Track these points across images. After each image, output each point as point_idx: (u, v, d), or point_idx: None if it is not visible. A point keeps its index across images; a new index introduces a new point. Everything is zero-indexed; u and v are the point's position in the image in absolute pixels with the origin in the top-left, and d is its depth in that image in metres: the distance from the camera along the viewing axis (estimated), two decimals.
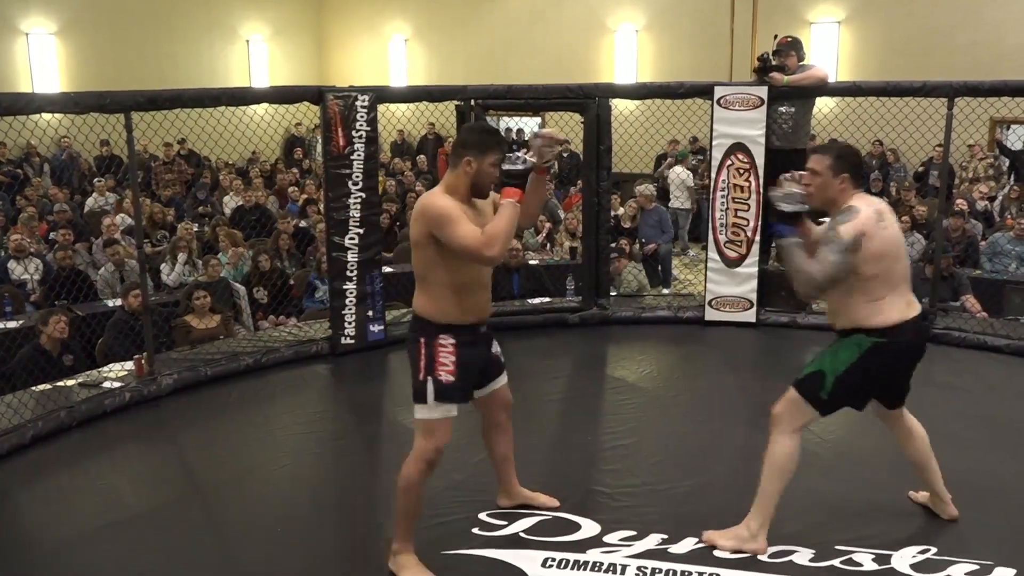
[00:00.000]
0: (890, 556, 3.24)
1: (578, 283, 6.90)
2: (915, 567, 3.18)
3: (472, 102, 6.06)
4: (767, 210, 6.47)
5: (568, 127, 7.11)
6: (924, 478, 3.52)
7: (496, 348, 3.35)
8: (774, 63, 6.18)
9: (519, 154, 3.06)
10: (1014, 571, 3.14)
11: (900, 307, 3.15)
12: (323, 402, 5.26)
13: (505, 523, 3.49)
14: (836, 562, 3.22)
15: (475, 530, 3.45)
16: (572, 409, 5.01)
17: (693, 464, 4.09)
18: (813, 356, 3.34)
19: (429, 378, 3.05)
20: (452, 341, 3.06)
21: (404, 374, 5.48)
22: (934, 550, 3.28)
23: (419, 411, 3.08)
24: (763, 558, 3.24)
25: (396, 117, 8.20)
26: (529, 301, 6.67)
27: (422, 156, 13.84)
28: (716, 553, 3.27)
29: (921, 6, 12.77)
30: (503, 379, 3.40)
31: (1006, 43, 11.91)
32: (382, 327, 5.84)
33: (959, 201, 8.98)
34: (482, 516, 3.53)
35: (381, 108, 5.83)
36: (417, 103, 6.66)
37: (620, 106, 7.40)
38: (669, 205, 10.63)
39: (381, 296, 5.84)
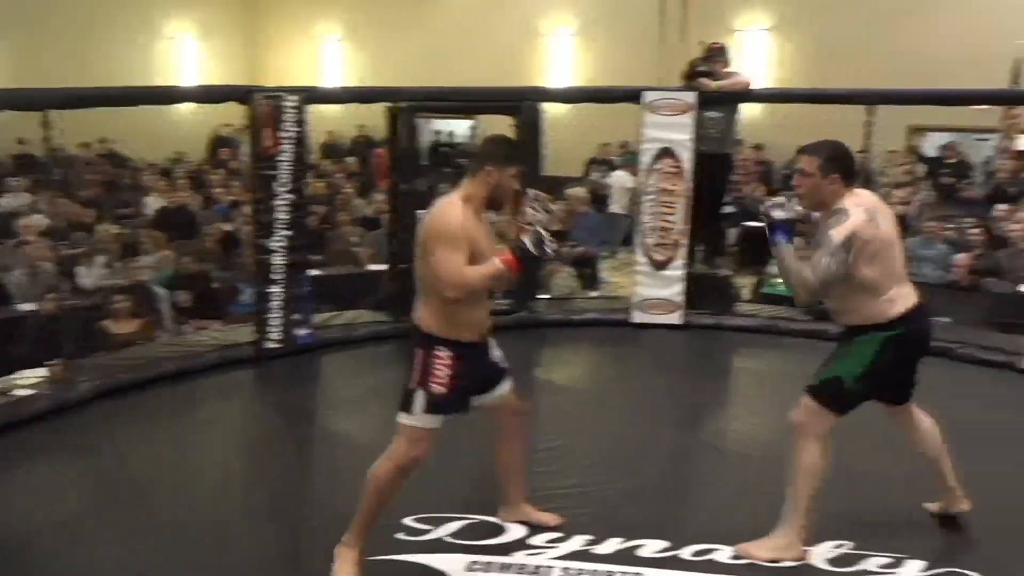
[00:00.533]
0: (807, 552, 3.31)
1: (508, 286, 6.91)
2: (831, 561, 3.26)
3: (403, 104, 6.03)
4: (712, 215, 6.60)
5: (501, 130, 7.11)
6: (937, 471, 3.49)
7: (497, 353, 3.33)
8: (704, 69, 6.28)
9: (543, 236, 2.97)
10: (925, 563, 3.24)
11: (905, 297, 3.20)
12: (250, 407, 5.17)
13: (430, 528, 3.47)
14: (762, 561, 3.27)
15: (400, 535, 3.42)
16: None
17: (624, 466, 4.13)
18: (826, 360, 3.31)
19: (420, 389, 3.04)
20: (450, 354, 3.04)
21: (335, 378, 5.51)
22: (849, 544, 3.36)
23: (404, 418, 3.06)
24: (685, 556, 3.28)
25: (327, 118, 8.13)
26: None
27: (353, 158, 13.72)
28: (639, 553, 3.30)
29: (844, 17, 13.10)
30: (507, 385, 3.37)
31: (923, 54, 12.27)
32: (310, 331, 5.77)
33: None
34: (407, 521, 3.50)
35: (311, 109, 5.77)
36: (348, 104, 6.60)
37: (552, 109, 7.45)
38: (609, 209, 10.74)
39: (310, 300, 5.76)
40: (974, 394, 3.58)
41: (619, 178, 10.97)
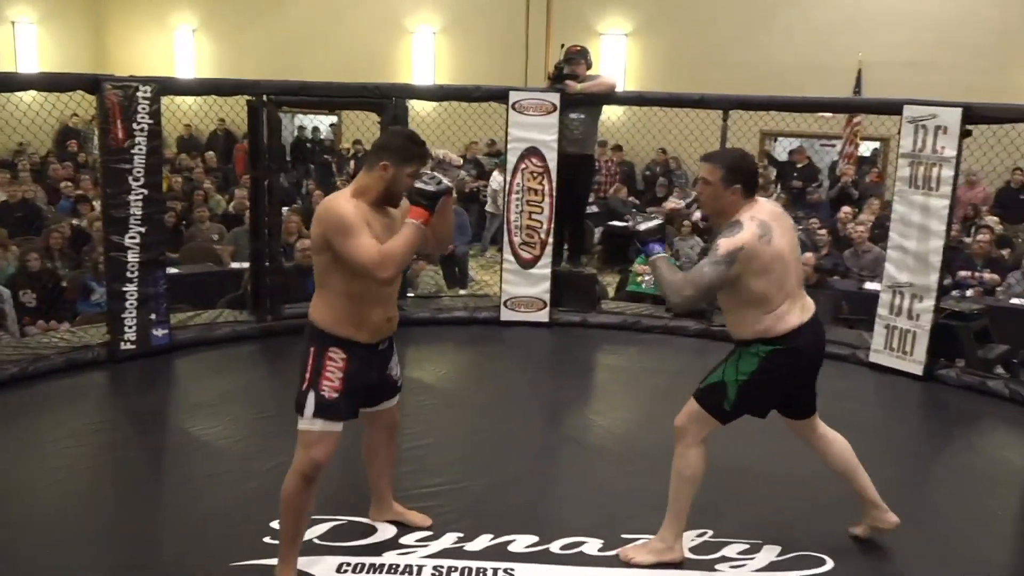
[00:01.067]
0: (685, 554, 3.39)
1: None
2: (693, 550, 3.37)
3: (265, 97, 5.87)
4: (576, 214, 6.71)
5: (365, 127, 7.04)
6: (854, 488, 3.44)
7: (395, 369, 3.25)
8: (568, 71, 6.39)
9: (433, 174, 2.88)
10: (779, 547, 3.39)
11: (796, 312, 3.15)
12: (100, 412, 4.90)
13: None
14: (622, 550, 3.34)
15: (266, 539, 3.32)
16: None
17: (490, 462, 4.14)
18: (713, 367, 3.31)
19: (311, 391, 2.90)
20: (343, 356, 2.91)
21: (192, 380, 5.31)
22: (710, 533, 3.48)
23: (300, 422, 2.94)
24: (555, 550, 3.33)
25: (183, 111, 7.81)
26: None
27: (211, 152, 13.27)
28: (510, 548, 3.32)
29: (700, 24, 13.59)
30: (394, 400, 3.29)
31: (774, 62, 12.88)
32: (167, 331, 5.54)
33: None
34: (274, 524, 3.40)
35: (166, 101, 5.53)
36: (206, 97, 6.37)
37: (418, 107, 7.41)
38: (486, 210, 10.81)
39: (166, 299, 5.53)
40: (821, 387, 3.80)
41: (495, 178, 11.05)
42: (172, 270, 6.71)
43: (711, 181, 3.15)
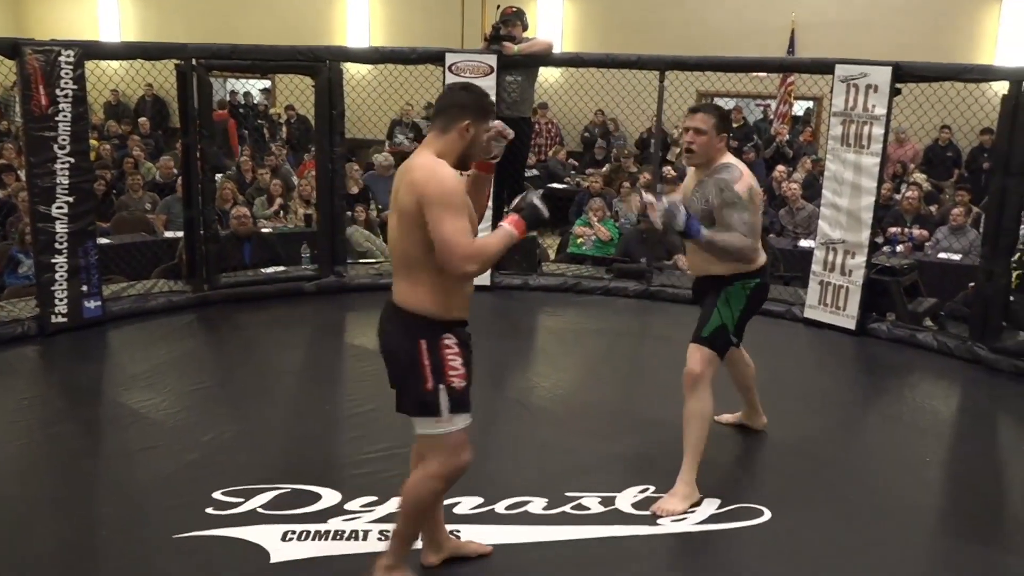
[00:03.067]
0: (614, 498, 3.47)
1: (314, 251, 6.75)
2: (635, 505, 3.42)
3: (194, 61, 5.71)
4: (515, 178, 6.66)
5: (299, 91, 6.91)
6: (747, 399, 4.01)
7: None
8: (503, 33, 6.33)
9: (528, 192, 2.70)
10: (719, 500, 3.47)
11: (762, 251, 3.50)
12: (31, 387, 4.77)
13: (241, 500, 3.36)
14: (567, 508, 3.39)
15: (209, 510, 3.29)
16: (311, 379, 4.92)
17: None
18: (702, 315, 3.50)
19: (441, 387, 2.58)
20: (456, 341, 2.61)
21: (127, 352, 5.20)
22: (652, 488, 3.54)
23: (429, 425, 2.62)
24: (500, 511, 3.35)
25: (108, 76, 7.55)
26: (262, 271, 6.43)
27: (143, 119, 12.91)
28: (455, 510, 3.34)
29: None
30: None
31: (710, 22, 12.94)
32: (99, 303, 5.41)
33: (667, 169, 9.68)
34: (216, 495, 3.38)
35: (91, 66, 5.35)
36: (132, 61, 6.16)
37: (352, 70, 7.30)
38: None
39: (97, 270, 5.40)
40: (759, 342, 3.90)
41: None
42: (103, 240, 6.55)
43: (705, 130, 3.39)
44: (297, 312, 5.96)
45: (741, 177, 3.34)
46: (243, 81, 12.91)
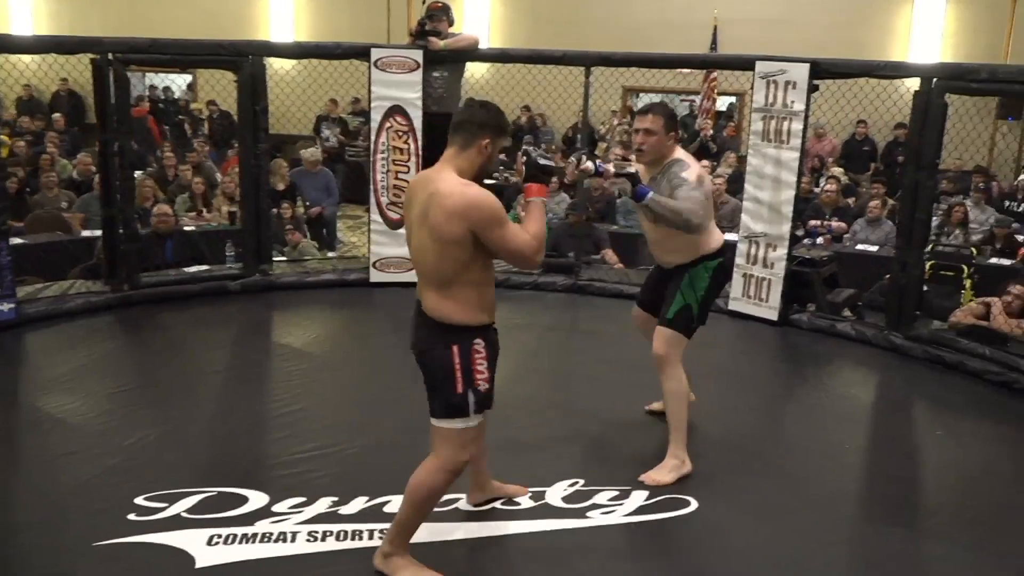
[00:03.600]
0: (544, 492, 3.49)
1: (238, 249, 6.64)
2: (566, 499, 3.45)
3: (111, 56, 5.56)
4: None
5: (221, 86, 6.78)
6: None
7: None
8: (429, 28, 6.30)
9: (540, 148, 2.86)
10: (647, 492, 3.52)
11: (718, 232, 3.76)
12: None
13: (165, 505, 3.29)
14: (497, 504, 3.40)
15: (131, 516, 3.21)
16: (236, 379, 4.82)
17: (361, 425, 4.12)
18: (666, 299, 3.70)
19: (469, 391, 2.75)
20: (483, 344, 2.78)
21: (43, 355, 5.05)
22: (582, 482, 3.57)
23: (453, 424, 2.78)
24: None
25: (20, 71, 7.28)
26: (185, 269, 6.30)
27: (58, 115, 12.51)
28: (385, 509, 3.32)
29: None
30: None
31: (635, 19, 13.08)
32: (13, 305, 5.24)
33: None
34: (138, 500, 3.30)
35: (1, 60, 5.17)
36: (45, 55, 5.97)
37: (276, 65, 7.19)
38: None
39: (10, 271, 5.22)
40: None
41: None
42: (16, 240, 6.34)
43: (655, 130, 3.58)
44: (222, 311, 5.85)
45: (690, 167, 3.56)
46: (163, 76, 12.61)
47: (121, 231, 5.78)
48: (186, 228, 7.36)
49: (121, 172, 5.69)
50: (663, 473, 3.63)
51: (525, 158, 2.86)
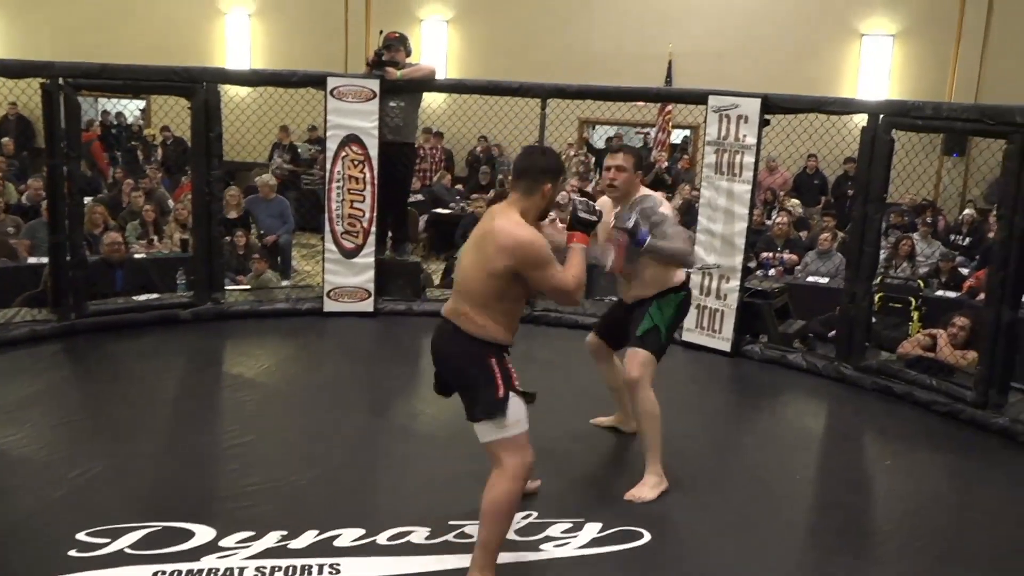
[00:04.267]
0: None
1: (190, 277, 6.55)
2: (518, 532, 3.43)
3: (61, 80, 5.48)
4: (399, 202, 6.59)
5: (174, 112, 6.71)
6: (620, 400, 4.33)
7: None
8: (386, 58, 6.32)
9: (587, 201, 3.15)
10: (601, 524, 3.51)
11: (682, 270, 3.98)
12: None
13: (107, 540, 3.20)
14: (450, 536, 3.37)
15: (72, 552, 3.13)
16: (185, 411, 4.74)
17: (312, 457, 4.06)
18: (637, 322, 3.86)
19: (511, 395, 2.96)
20: (508, 358, 3.04)
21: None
22: (535, 514, 3.56)
23: (495, 431, 2.96)
24: (382, 542, 3.30)
25: None
26: (135, 298, 6.19)
27: (7, 139, 12.28)
28: (336, 543, 3.27)
29: (519, 10, 13.78)
30: None
31: (591, 51, 13.24)
32: None
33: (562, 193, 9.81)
34: (80, 536, 3.21)
35: None
36: None
37: (231, 92, 7.14)
38: None
39: None
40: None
41: None
42: None
43: (627, 168, 3.82)
44: (171, 340, 5.76)
45: (661, 204, 3.80)
46: (115, 101, 12.48)
47: (69, 258, 5.67)
48: (137, 256, 7.25)
49: (70, 198, 5.60)
50: (645, 490, 3.77)
51: (572, 208, 3.13)
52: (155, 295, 6.30)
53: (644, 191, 3.88)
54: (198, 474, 3.90)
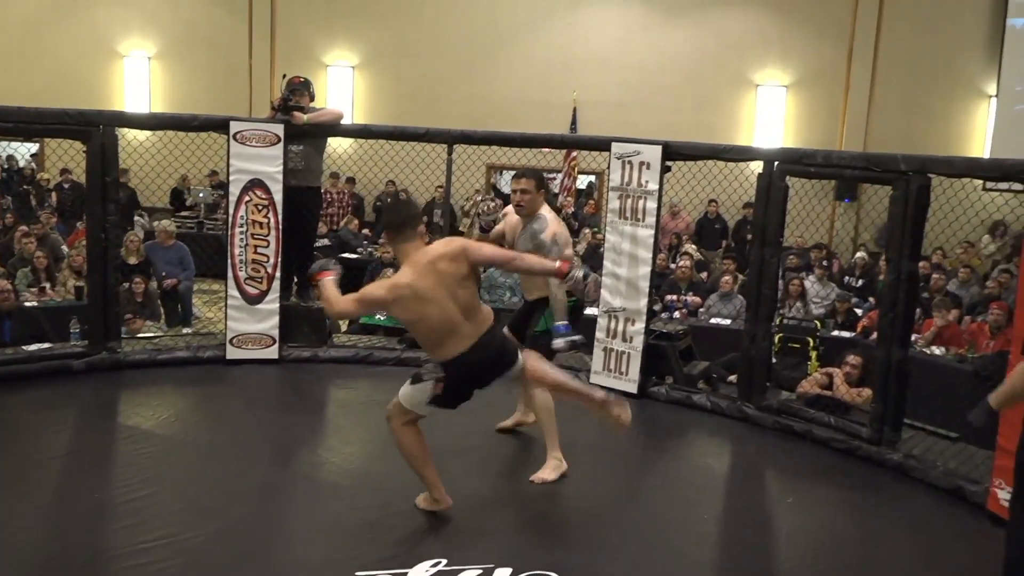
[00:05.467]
0: (406, 573, 3.40)
1: (84, 325, 6.30)
2: None
3: None
4: (304, 247, 6.49)
5: (69, 155, 6.51)
6: (525, 397, 4.78)
7: None
8: (294, 103, 6.27)
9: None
10: (511, 569, 3.48)
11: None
12: None
13: None
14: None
15: None
16: (78, 465, 4.51)
17: (213, 509, 3.92)
18: (534, 324, 4.55)
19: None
20: None
21: None
22: (444, 561, 3.50)
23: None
24: None
25: None
26: (24, 348, 5.92)
27: None
28: None
29: (425, 58, 13.90)
30: None
31: (498, 97, 13.43)
32: None
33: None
34: None
35: None
36: None
37: (130, 136, 6.98)
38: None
39: None
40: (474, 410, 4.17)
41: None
42: None
43: (530, 190, 4.47)
44: (63, 392, 5.51)
45: (548, 226, 4.43)
46: (3, 144, 12.04)
47: None
48: (27, 304, 6.96)
49: None
50: (548, 472, 4.33)
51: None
52: (46, 344, 6.04)
53: (543, 211, 4.50)
54: (91, 531, 3.71)
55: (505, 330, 4.41)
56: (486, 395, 4.47)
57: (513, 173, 4.71)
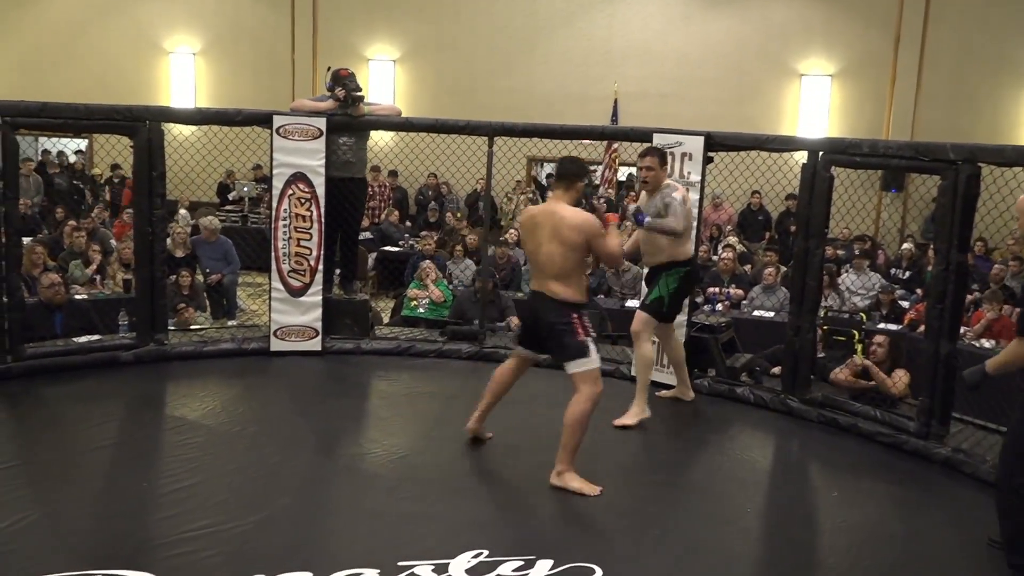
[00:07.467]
0: (448, 564, 3.42)
1: (131, 318, 6.41)
2: (469, 571, 3.38)
3: (2, 120, 5.38)
4: (347, 240, 6.54)
5: (117, 151, 6.62)
6: (679, 375, 5.59)
7: None
8: (359, 94, 6.28)
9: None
10: (552, 561, 3.48)
11: (691, 245, 5.24)
12: None
13: None
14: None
15: None
16: (125, 455, 4.60)
17: (257, 499, 3.97)
18: (648, 289, 5.21)
19: (588, 338, 4.11)
20: (585, 313, 4.23)
21: None
22: (486, 552, 3.51)
23: (582, 364, 4.10)
24: None
25: None
26: (75, 340, 6.04)
27: None
28: None
29: (465, 51, 13.92)
30: None
31: (537, 90, 13.40)
32: None
33: (510, 232, 9.85)
34: None
35: None
36: None
37: (175, 131, 7.08)
38: None
39: None
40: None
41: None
42: None
43: (655, 167, 5.10)
44: (112, 383, 5.62)
45: (678, 189, 5.05)
46: (55, 140, 12.29)
47: (6, 300, 5.53)
48: (77, 297, 7.09)
49: (7, 239, 5.47)
50: (629, 418, 5.03)
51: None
52: (96, 337, 6.15)
53: (669, 182, 5.16)
54: (137, 520, 3.78)
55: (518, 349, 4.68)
56: (531, 389, 4.48)
57: (639, 151, 5.24)
